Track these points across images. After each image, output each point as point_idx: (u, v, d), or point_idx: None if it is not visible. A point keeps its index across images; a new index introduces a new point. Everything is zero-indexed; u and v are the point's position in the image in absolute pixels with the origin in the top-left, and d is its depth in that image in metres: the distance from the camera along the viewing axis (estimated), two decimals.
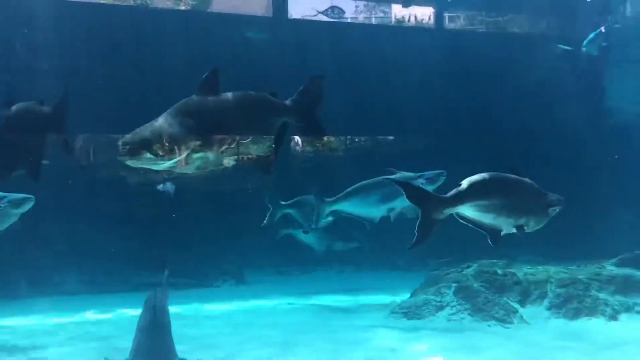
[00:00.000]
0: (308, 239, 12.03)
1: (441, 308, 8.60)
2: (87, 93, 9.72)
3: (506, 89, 13.75)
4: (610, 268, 9.26)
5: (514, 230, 5.44)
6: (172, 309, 6.45)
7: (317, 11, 13.74)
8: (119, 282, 11.47)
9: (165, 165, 4.68)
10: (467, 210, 5.16)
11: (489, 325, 8.22)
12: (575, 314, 8.48)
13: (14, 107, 5.24)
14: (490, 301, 8.54)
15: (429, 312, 8.59)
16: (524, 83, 13.90)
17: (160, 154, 4.61)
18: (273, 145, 5.16)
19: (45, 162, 5.39)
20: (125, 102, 10.84)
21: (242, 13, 13.79)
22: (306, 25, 14.07)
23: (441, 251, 10.53)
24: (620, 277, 8.97)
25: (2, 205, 6.26)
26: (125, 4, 13.89)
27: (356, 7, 16.65)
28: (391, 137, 15.85)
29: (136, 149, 4.58)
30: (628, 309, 8.60)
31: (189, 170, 4.88)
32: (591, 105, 14.76)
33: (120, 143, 4.63)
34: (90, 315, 9.60)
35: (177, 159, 4.66)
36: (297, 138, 14.57)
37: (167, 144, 4.62)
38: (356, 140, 15.85)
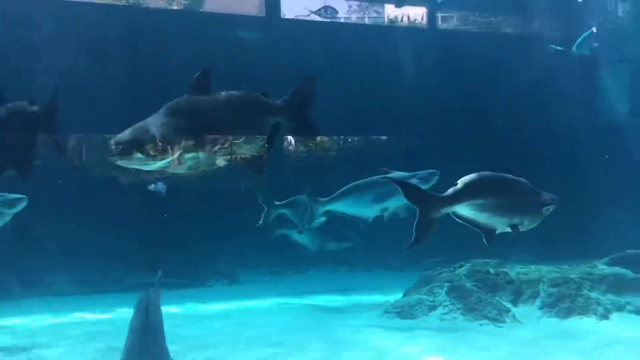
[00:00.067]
0: (302, 239, 12.03)
1: (434, 308, 8.61)
2: (79, 93, 9.70)
3: (499, 89, 13.78)
4: (601, 267, 9.30)
5: (509, 230, 5.48)
6: (165, 309, 6.43)
7: (310, 11, 13.75)
8: (112, 282, 11.43)
9: (156, 165, 4.67)
10: (463, 210, 5.21)
11: (481, 325, 8.24)
12: (567, 313, 8.52)
13: (3, 107, 5.21)
14: (483, 300, 8.56)
15: (422, 311, 8.60)
16: (516, 83, 13.94)
17: (151, 154, 4.60)
18: (265, 146, 5.15)
19: (36, 162, 5.36)
20: (117, 101, 10.79)
21: (234, 13, 13.78)
22: (299, 25, 14.07)
23: (434, 251, 10.55)
24: (612, 277, 9.01)
25: None
26: (117, 3, 13.84)
27: (349, 7, 16.68)
28: (384, 137, 15.87)
29: (127, 149, 4.57)
30: (620, 308, 8.65)
31: (181, 170, 4.87)
32: (584, 105, 14.83)
33: (110, 143, 4.62)
34: (88, 315, 9.55)
35: (169, 159, 4.65)
36: (290, 138, 14.57)
37: (157, 144, 4.61)
38: (349, 140, 15.87)
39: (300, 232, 11.16)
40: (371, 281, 12.25)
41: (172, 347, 6.82)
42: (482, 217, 5.29)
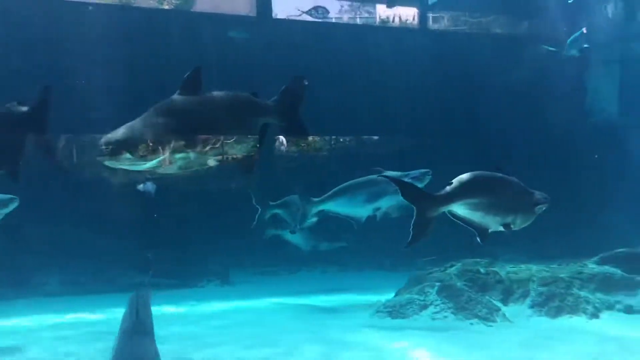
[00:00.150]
0: (295, 239, 12.04)
1: (425, 307, 8.63)
2: (69, 92, 9.66)
3: (490, 89, 13.84)
4: (591, 266, 9.36)
5: (502, 229, 5.52)
6: (155, 310, 6.41)
7: (301, 11, 13.75)
8: (104, 282, 11.38)
9: (145, 165, 4.66)
10: (459, 209, 5.26)
11: (471, 324, 8.26)
12: (557, 312, 8.55)
13: None
14: (473, 300, 8.58)
15: (413, 311, 8.61)
16: (508, 83, 14.01)
17: (140, 154, 4.59)
18: (256, 146, 5.16)
19: (25, 163, 5.34)
20: (107, 101, 10.76)
21: (226, 13, 13.77)
22: (290, 25, 14.07)
23: (426, 250, 10.58)
24: (601, 276, 9.07)
25: None
26: (108, 2, 13.80)
27: (341, 7, 16.69)
28: (376, 137, 15.90)
29: (116, 150, 4.56)
30: (609, 307, 8.71)
31: (171, 170, 4.87)
32: (575, 106, 14.93)
33: (99, 143, 4.60)
34: (81, 315, 9.50)
35: (158, 159, 4.64)
36: (282, 138, 14.57)
37: (147, 144, 4.60)
38: (341, 140, 15.89)
39: (293, 232, 11.17)
40: (363, 281, 12.27)
41: (170, 348, 6.84)
42: (476, 216, 5.35)
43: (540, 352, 7.08)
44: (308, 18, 13.70)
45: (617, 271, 9.18)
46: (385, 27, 16.51)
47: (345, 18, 17.05)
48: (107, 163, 4.62)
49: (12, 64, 10.81)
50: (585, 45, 12.84)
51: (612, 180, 13.28)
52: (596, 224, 12.87)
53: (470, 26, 16.67)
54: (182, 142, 4.73)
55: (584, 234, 12.47)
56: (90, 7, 12.32)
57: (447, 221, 5.46)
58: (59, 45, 11.36)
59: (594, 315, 8.51)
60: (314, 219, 9.51)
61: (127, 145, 4.56)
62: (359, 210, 9.05)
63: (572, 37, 12.94)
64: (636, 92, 14.53)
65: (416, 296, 8.82)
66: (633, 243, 10.39)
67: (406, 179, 8.27)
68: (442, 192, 5.22)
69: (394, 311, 8.69)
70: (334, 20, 16.12)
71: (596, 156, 13.83)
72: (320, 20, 13.87)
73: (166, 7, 14.58)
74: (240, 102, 5.13)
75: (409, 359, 6.91)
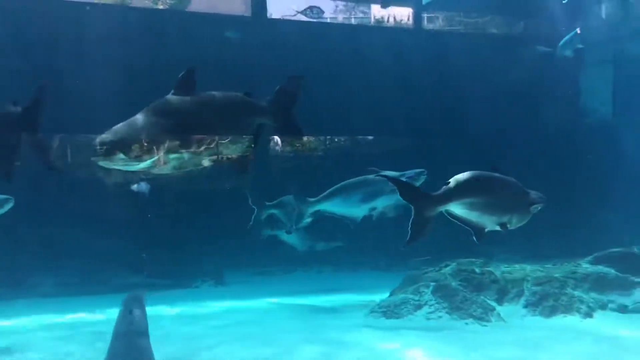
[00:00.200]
0: (291, 239, 12.04)
1: (419, 307, 8.63)
2: (63, 92, 9.62)
3: (485, 89, 13.87)
4: (585, 266, 9.39)
5: (498, 228, 5.54)
6: (150, 311, 6.39)
7: (296, 11, 13.76)
8: (97, 283, 11.35)
9: (139, 166, 4.65)
10: (456, 208, 5.29)
11: (466, 324, 8.28)
12: (552, 312, 8.58)
13: None
14: (468, 299, 8.59)
15: (408, 311, 8.62)
16: (503, 83, 14.04)
17: (134, 154, 4.58)
18: (251, 146, 5.16)
19: (18, 163, 5.32)
20: (101, 101, 10.73)
21: (221, 13, 13.75)
22: (285, 25, 14.07)
23: (422, 250, 10.60)
24: (595, 275, 9.10)
25: None
26: (105, 2, 13.76)
27: (336, 7, 16.71)
28: (371, 137, 15.92)
29: (109, 150, 4.54)
30: (603, 306, 8.74)
31: (165, 170, 4.86)
32: (570, 106, 14.97)
33: (93, 144, 4.59)
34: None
35: (152, 159, 4.63)
36: (276, 138, 14.57)
37: (141, 145, 4.59)
38: (336, 140, 15.90)
39: (289, 233, 11.17)
40: (358, 281, 12.27)
41: (169, 348, 6.83)
42: (473, 216, 5.38)
43: (535, 352, 7.10)
44: (303, 18, 13.71)
45: (611, 271, 9.21)
46: (380, 27, 16.53)
47: (340, 18, 17.08)
48: (101, 163, 4.61)
49: (8, 64, 10.76)
50: (580, 46, 12.88)
51: (607, 180, 13.32)
52: (591, 224, 12.92)
53: (465, 26, 16.72)
54: (176, 143, 4.73)
55: (578, 233, 12.51)
56: (87, 7, 12.27)
57: (442, 221, 5.48)
58: (54, 44, 11.33)
59: (588, 314, 8.54)
60: (310, 219, 9.51)
61: (121, 145, 4.56)
62: (354, 210, 9.06)
63: (565, 38, 12.98)
64: (630, 92, 14.59)
65: (411, 296, 8.83)
66: (627, 243, 10.44)
67: (402, 179, 8.29)
68: (440, 191, 5.25)
69: (389, 311, 8.69)
70: (328, 20, 16.14)
71: (590, 156, 13.87)
72: (315, 20, 13.88)
73: (161, 7, 14.56)
74: (235, 102, 5.13)
75: (403, 359, 6.91)
